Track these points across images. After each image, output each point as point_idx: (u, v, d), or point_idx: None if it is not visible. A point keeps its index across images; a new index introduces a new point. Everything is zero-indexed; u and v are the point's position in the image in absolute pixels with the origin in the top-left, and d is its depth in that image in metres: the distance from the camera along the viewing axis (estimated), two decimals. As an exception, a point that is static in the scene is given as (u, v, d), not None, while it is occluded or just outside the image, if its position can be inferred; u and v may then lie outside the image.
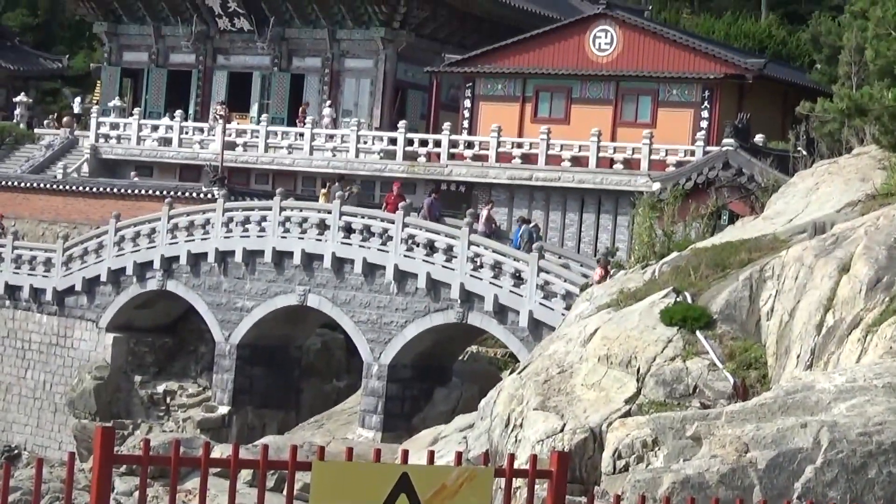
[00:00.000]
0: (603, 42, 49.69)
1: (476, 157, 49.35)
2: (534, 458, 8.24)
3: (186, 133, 57.40)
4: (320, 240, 42.88)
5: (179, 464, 7.30)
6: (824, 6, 59.31)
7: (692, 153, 44.67)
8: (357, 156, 52.32)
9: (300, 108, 57.03)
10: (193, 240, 45.35)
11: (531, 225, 43.49)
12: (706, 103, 47.65)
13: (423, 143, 51.71)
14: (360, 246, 41.92)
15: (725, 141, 41.00)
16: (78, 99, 65.17)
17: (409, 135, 52.03)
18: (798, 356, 19.61)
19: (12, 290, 49.10)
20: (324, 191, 48.23)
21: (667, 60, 49.30)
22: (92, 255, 47.57)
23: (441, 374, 41.72)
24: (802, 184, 30.29)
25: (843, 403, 13.71)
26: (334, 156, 53.17)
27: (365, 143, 53.05)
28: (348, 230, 42.40)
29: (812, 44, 53.23)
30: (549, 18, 55.60)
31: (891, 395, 13.90)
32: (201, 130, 57.25)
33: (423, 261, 40.69)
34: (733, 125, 41.74)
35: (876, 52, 30.77)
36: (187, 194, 50.96)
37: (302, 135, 54.54)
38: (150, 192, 52.42)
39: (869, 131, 28.94)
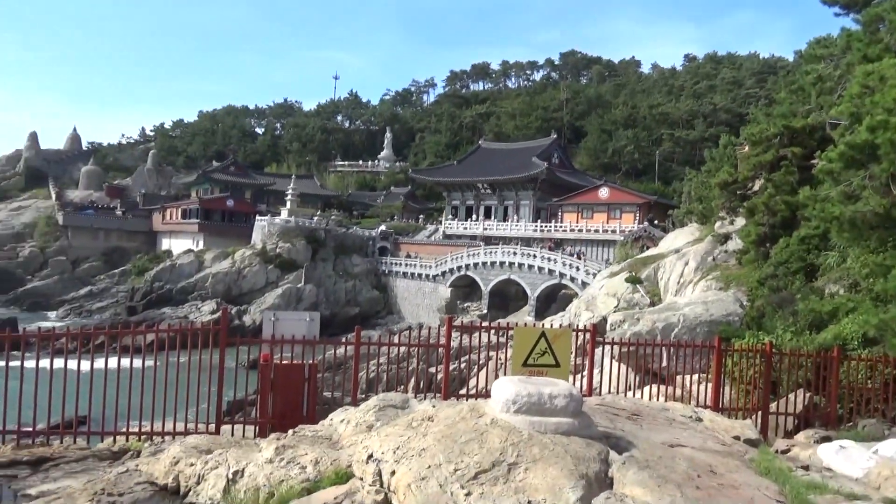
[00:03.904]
0: (603, 192, 53.57)
1: (562, 231, 53.68)
2: (592, 326, 9.69)
3: (471, 226, 61.43)
4: (515, 256, 47.46)
5: (473, 327, 9.96)
6: (678, 177, 56.97)
7: (636, 228, 47.30)
8: (525, 231, 56.31)
9: (507, 218, 62.04)
10: (474, 257, 50.97)
11: (579, 250, 49.58)
12: (638, 211, 50.97)
13: (546, 227, 55.56)
14: (529, 258, 46.42)
15: (645, 223, 46.88)
16: (441, 218, 68.97)
17: (542, 224, 56.81)
18: (671, 293, 20.95)
19: (413, 275, 55.35)
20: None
21: (626, 197, 52.85)
22: (443, 264, 53.18)
23: (553, 299, 45.79)
24: (671, 236, 32.33)
25: (686, 307, 14.30)
26: (517, 230, 56.73)
27: (527, 228, 56.87)
28: (522, 254, 47.38)
29: (674, 191, 53.62)
30: (583, 186, 57.53)
31: (703, 305, 14.41)
32: (476, 222, 61.90)
33: (547, 263, 45.17)
34: (648, 217, 48.62)
35: (696, 192, 33.64)
36: (470, 243, 55.55)
37: (506, 224, 59.43)
38: (460, 244, 56.58)
39: (695, 218, 31.26)
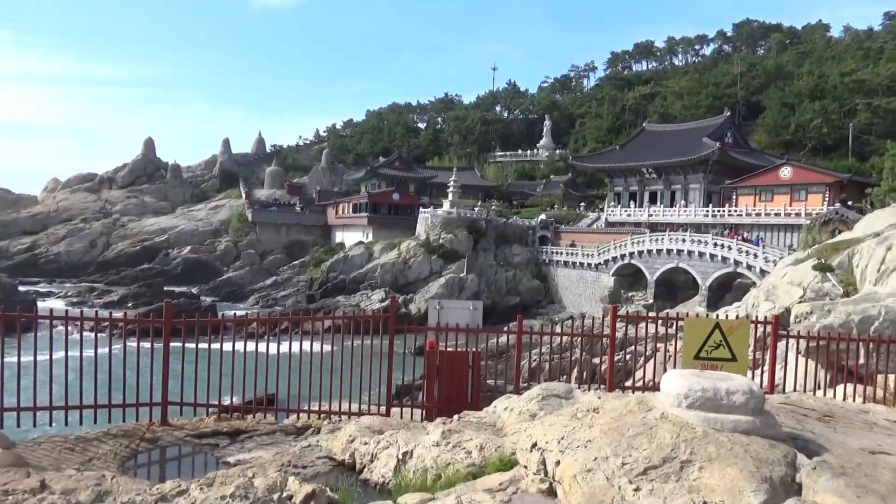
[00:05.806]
0: (785, 171, 50.16)
1: (737, 215, 51.18)
2: (773, 317, 9.32)
3: (635, 212, 61.30)
4: (683, 243, 45.75)
5: (639, 317, 9.98)
6: (877, 151, 54.86)
7: (825, 209, 43.92)
8: (695, 217, 54.25)
9: (674, 203, 59.89)
10: (638, 245, 49.78)
11: (758, 236, 46.11)
12: (827, 191, 47.86)
13: (719, 211, 53.31)
14: (699, 245, 44.47)
15: (837, 204, 42.86)
16: (603, 205, 68.46)
17: (714, 208, 54.35)
18: (869, 282, 18.93)
19: (574, 264, 54.76)
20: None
21: (813, 176, 49.67)
22: (605, 252, 52.24)
23: (727, 289, 43.41)
24: (869, 218, 28.06)
25: (889, 298, 13.69)
26: (685, 216, 54.92)
27: (697, 213, 54.79)
28: (692, 241, 45.17)
29: (873, 167, 52.02)
30: (761, 165, 54.19)
31: (912, 297, 13.32)
32: (640, 209, 61.51)
33: (720, 250, 43.05)
34: (840, 198, 44.53)
35: (898, 168, 34.98)
36: (634, 231, 54.50)
37: (674, 210, 57.69)
38: (624, 231, 55.63)
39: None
